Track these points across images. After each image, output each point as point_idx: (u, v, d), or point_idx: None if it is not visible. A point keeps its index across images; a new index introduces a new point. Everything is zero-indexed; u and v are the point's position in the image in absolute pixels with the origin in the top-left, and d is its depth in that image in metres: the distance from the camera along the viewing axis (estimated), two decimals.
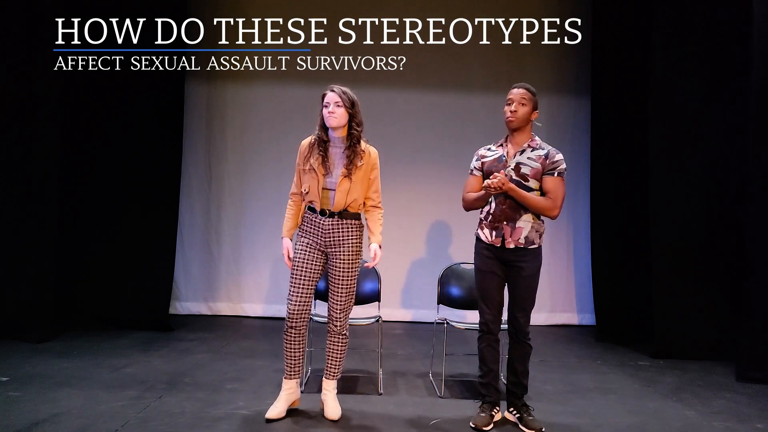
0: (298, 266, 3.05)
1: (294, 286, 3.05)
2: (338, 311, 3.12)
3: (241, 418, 3.06)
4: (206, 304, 5.78)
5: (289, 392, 3.14)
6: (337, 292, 3.10)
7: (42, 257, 4.57)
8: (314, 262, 3.06)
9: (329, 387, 3.19)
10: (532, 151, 3.06)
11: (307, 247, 3.06)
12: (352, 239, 3.08)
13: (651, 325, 4.77)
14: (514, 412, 3.14)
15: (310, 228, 3.06)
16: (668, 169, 4.68)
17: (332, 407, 3.12)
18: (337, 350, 3.18)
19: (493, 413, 3.11)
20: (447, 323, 3.69)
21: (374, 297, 3.94)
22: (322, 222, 3.03)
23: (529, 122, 3.06)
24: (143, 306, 5.05)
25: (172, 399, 3.32)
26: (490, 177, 2.96)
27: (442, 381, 3.70)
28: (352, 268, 3.09)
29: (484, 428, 3.03)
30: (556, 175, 3.02)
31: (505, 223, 3.02)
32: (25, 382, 3.49)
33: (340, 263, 3.06)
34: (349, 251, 3.07)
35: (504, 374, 3.41)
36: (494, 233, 3.05)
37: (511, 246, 3.02)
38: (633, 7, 5.17)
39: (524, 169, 3.02)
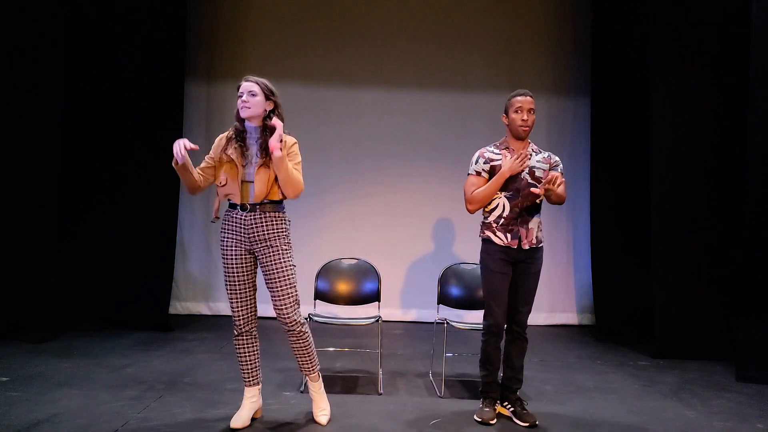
0: (230, 271, 2.90)
1: (232, 293, 2.91)
2: (283, 306, 2.87)
3: None
4: (206, 304, 5.78)
5: (252, 400, 3.00)
6: (276, 288, 2.87)
7: (42, 257, 4.58)
8: (245, 263, 2.91)
9: (315, 388, 3.07)
10: (537, 154, 3.18)
11: (234, 249, 2.89)
12: (279, 232, 2.89)
13: (651, 325, 4.77)
14: (509, 406, 3.19)
15: (232, 226, 2.89)
16: (668, 169, 4.69)
17: (320, 409, 3.03)
18: (301, 347, 2.95)
19: (495, 408, 3.18)
20: (447, 323, 3.69)
21: (374, 297, 3.94)
22: (243, 218, 2.87)
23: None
24: (143, 306, 5.05)
25: (172, 399, 3.32)
26: (548, 176, 2.95)
27: (442, 381, 3.70)
28: (285, 264, 2.88)
29: (491, 422, 3.09)
30: (559, 170, 3.18)
31: (520, 225, 3.10)
32: (25, 382, 3.49)
33: (272, 263, 2.86)
34: (278, 247, 2.87)
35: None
36: (509, 236, 3.10)
37: (527, 247, 3.11)
38: (633, 8, 5.18)
39: (538, 173, 3.12)
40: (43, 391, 3.34)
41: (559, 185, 2.94)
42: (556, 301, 5.86)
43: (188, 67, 5.48)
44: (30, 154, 4.53)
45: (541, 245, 3.17)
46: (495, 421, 3.11)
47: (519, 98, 3.10)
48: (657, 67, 4.71)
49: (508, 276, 3.12)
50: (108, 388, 3.45)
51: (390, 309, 5.68)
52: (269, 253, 2.87)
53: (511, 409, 3.17)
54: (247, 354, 3.00)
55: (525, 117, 3.07)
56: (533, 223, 3.12)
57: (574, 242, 5.90)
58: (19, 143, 4.52)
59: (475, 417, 3.12)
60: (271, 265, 2.87)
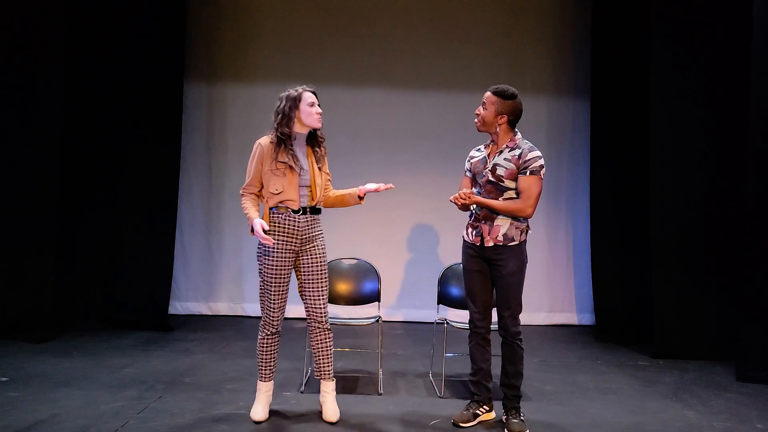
0: (277, 273, 2.99)
1: (275, 294, 3.01)
2: (321, 306, 3.09)
3: (241, 418, 3.06)
4: (206, 304, 5.78)
5: (268, 393, 3.15)
6: (318, 287, 3.08)
7: (42, 257, 4.57)
8: (290, 266, 3.05)
9: (328, 389, 3.15)
10: (509, 151, 3.05)
11: (284, 252, 2.99)
12: (321, 232, 3.13)
13: (651, 325, 4.77)
14: (504, 412, 3.14)
15: (284, 229, 2.98)
16: (668, 169, 4.69)
17: (331, 409, 3.10)
18: (327, 347, 3.13)
19: (478, 412, 3.13)
20: (447, 323, 3.69)
21: (374, 297, 3.94)
22: (297, 221, 2.99)
23: (494, 125, 3.05)
24: (143, 306, 5.05)
25: (172, 399, 3.32)
26: (457, 194, 2.99)
27: (442, 381, 3.70)
28: (326, 260, 3.13)
29: (462, 424, 3.06)
30: (528, 173, 2.99)
31: (483, 222, 3.05)
32: (25, 382, 3.50)
33: (316, 258, 3.07)
34: (322, 244, 3.11)
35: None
36: (474, 232, 3.10)
37: (490, 244, 3.04)
38: (633, 8, 5.18)
39: (499, 171, 3.03)
40: (43, 391, 3.35)
41: (462, 203, 2.95)
42: (556, 301, 5.86)
43: (188, 68, 5.48)
44: (30, 155, 4.53)
45: (512, 244, 3.01)
46: (470, 424, 3.08)
47: None
48: (657, 67, 4.71)
49: (482, 273, 3.10)
50: (108, 388, 3.46)
51: (390, 309, 5.68)
52: (315, 253, 3.06)
53: (504, 416, 3.11)
54: (274, 351, 3.13)
55: (476, 111, 3.10)
56: (500, 220, 3.02)
57: (574, 242, 5.90)
58: (19, 143, 4.52)
59: (452, 419, 3.10)
60: (316, 265, 3.07)
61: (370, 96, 5.83)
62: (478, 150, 3.21)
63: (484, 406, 3.16)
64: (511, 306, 3.03)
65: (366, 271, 4.00)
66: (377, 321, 3.77)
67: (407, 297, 5.78)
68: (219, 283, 5.79)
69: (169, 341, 4.68)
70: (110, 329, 4.92)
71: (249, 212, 2.99)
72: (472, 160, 3.19)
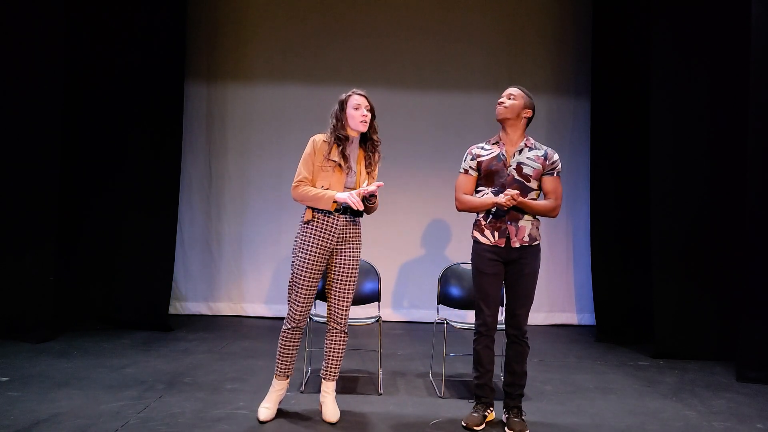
0: (310, 268, 3.00)
1: (304, 288, 3.01)
2: (344, 308, 3.11)
3: (241, 418, 3.06)
4: (206, 304, 5.78)
5: (280, 393, 3.16)
6: (345, 289, 3.09)
7: (41, 257, 4.57)
8: (324, 263, 3.06)
9: (329, 389, 3.17)
10: (530, 151, 3.06)
11: (320, 248, 3.01)
12: (359, 235, 3.13)
13: (651, 325, 4.78)
14: (505, 411, 3.13)
15: (322, 226, 3.01)
16: (668, 169, 4.69)
17: (331, 409, 3.10)
18: (340, 349, 3.16)
19: (486, 413, 3.12)
20: (447, 323, 3.69)
21: (374, 297, 3.94)
22: (336, 219, 3.01)
23: (519, 118, 3.04)
24: (143, 306, 5.05)
25: (172, 399, 3.32)
26: (503, 194, 2.93)
27: (442, 381, 3.70)
28: (358, 264, 3.12)
29: (476, 428, 3.03)
30: (555, 174, 3.07)
31: (508, 223, 3.02)
32: (25, 382, 3.49)
33: (349, 260, 3.08)
34: (357, 248, 3.11)
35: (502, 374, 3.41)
36: (497, 234, 3.04)
37: (517, 245, 3.03)
38: (633, 8, 5.18)
39: (526, 170, 3.03)
40: (43, 391, 3.34)
41: (509, 202, 2.89)
42: (556, 301, 5.86)
43: (188, 67, 5.48)
44: (30, 154, 4.52)
45: (535, 244, 3.06)
46: (482, 426, 3.06)
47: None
48: (657, 67, 4.71)
49: (498, 276, 3.07)
50: (108, 388, 3.46)
51: (390, 309, 5.69)
52: (348, 254, 3.08)
53: (506, 415, 3.11)
54: (294, 347, 3.12)
55: (501, 100, 3.06)
56: (525, 221, 3.03)
57: (574, 242, 5.90)
58: (19, 143, 4.52)
59: (462, 422, 3.07)
60: (347, 266, 3.08)
61: (368, 96, 5.82)
62: (483, 148, 3.13)
63: (490, 407, 3.16)
64: (528, 304, 3.07)
65: (366, 271, 3.99)
66: (377, 321, 3.76)
67: (407, 297, 5.78)
68: (219, 283, 5.79)
69: (169, 341, 4.68)
70: (110, 329, 4.92)
71: (324, 193, 2.95)
72: (479, 158, 3.09)
